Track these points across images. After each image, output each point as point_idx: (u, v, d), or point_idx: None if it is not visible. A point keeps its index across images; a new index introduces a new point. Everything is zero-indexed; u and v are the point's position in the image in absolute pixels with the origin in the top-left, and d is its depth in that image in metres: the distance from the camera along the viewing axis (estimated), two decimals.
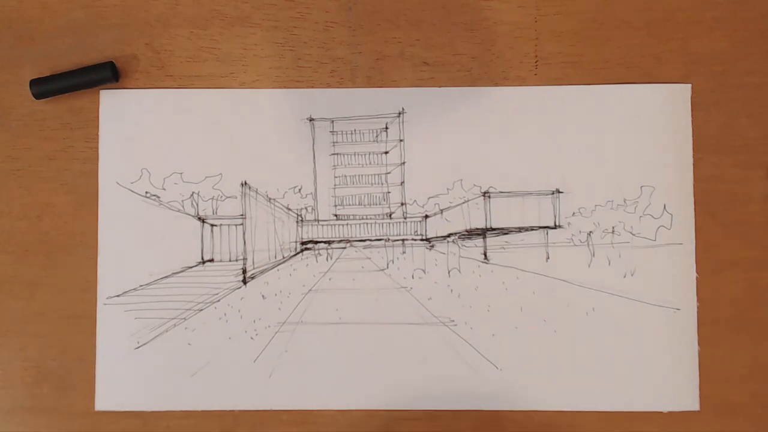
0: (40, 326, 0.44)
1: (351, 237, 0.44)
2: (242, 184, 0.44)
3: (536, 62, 0.45)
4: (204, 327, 0.44)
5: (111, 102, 0.45)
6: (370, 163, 0.45)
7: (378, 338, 0.43)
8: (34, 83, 0.44)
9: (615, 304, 0.43)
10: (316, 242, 0.44)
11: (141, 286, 0.44)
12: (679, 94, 0.44)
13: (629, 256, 0.44)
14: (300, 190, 0.45)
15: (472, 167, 0.44)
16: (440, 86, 0.45)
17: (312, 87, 0.45)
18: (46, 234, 0.42)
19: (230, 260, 0.44)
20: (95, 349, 0.43)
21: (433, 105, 0.44)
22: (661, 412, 0.43)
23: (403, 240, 0.44)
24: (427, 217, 0.44)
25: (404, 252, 0.44)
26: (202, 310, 0.44)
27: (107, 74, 0.44)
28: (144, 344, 0.44)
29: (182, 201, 0.44)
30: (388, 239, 0.44)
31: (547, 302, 0.44)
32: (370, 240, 0.44)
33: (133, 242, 0.44)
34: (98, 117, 0.45)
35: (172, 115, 0.45)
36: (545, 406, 0.43)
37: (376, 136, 0.45)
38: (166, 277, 0.44)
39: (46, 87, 0.44)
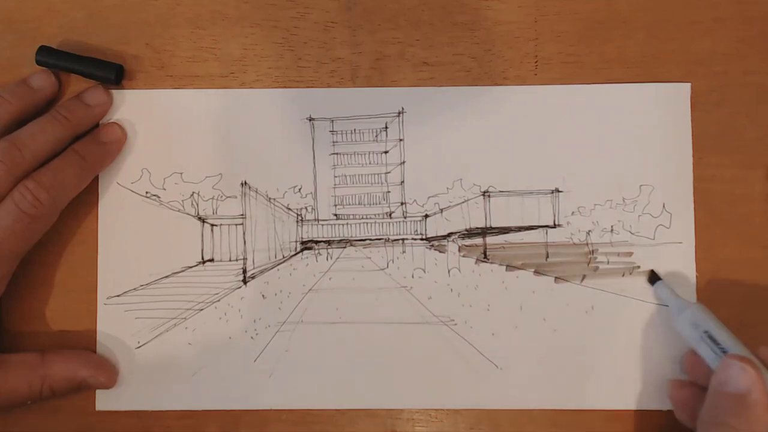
0: (41, 326, 0.44)
1: (351, 236, 0.44)
2: (242, 184, 0.45)
3: (536, 62, 0.45)
4: (204, 327, 0.44)
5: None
6: (369, 163, 0.45)
7: (378, 338, 0.43)
8: (41, 50, 0.44)
9: (614, 302, 0.43)
10: (316, 242, 0.44)
11: (141, 286, 0.44)
12: (679, 94, 0.44)
13: (628, 254, 0.44)
14: (300, 189, 0.45)
15: (471, 167, 0.44)
16: (440, 86, 0.45)
17: (312, 87, 0.45)
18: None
19: (230, 260, 0.44)
20: (95, 349, 0.43)
21: (433, 105, 0.44)
22: (661, 411, 0.43)
23: (402, 239, 0.44)
24: (426, 216, 0.44)
25: (404, 251, 0.44)
26: (202, 310, 0.44)
27: (111, 75, 0.44)
28: (144, 344, 0.44)
29: (182, 201, 0.44)
30: (388, 239, 0.44)
31: (546, 301, 0.44)
32: (370, 239, 0.44)
33: (133, 242, 0.44)
34: None
35: (172, 115, 0.45)
36: (545, 405, 0.43)
37: (376, 136, 0.45)
38: (166, 277, 0.44)
39: (51, 57, 0.44)
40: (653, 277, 0.43)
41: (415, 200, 0.44)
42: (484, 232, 0.44)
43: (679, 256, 0.44)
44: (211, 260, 0.44)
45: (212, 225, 0.44)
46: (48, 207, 0.40)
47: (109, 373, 0.42)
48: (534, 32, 0.45)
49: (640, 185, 0.44)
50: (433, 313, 0.44)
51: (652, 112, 0.44)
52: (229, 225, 0.44)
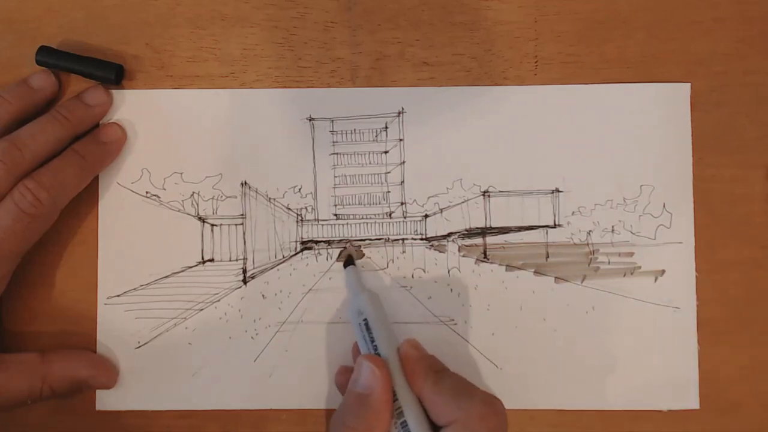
0: (41, 326, 0.44)
1: (351, 236, 0.44)
2: (242, 184, 0.45)
3: (536, 62, 0.45)
4: (204, 327, 0.44)
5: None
6: (369, 163, 0.45)
7: None
8: (41, 50, 0.44)
9: (614, 303, 0.43)
10: (316, 242, 0.44)
11: (141, 286, 0.44)
12: (679, 94, 0.44)
13: (629, 254, 0.44)
14: (300, 189, 0.45)
15: (471, 167, 0.44)
16: (440, 86, 0.45)
17: (312, 87, 0.45)
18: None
19: (230, 260, 0.44)
20: (95, 349, 0.44)
21: (433, 105, 0.44)
22: (661, 411, 0.43)
23: (402, 239, 0.44)
24: (426, 216, 0.44)
25: (404, 251, 0.44)
26: (202, 310, 0.44)
27: (110, 75, 0.44)
28: (144, 344, 0.44)
29: (182, 201, 0.44)
30: (388, 239, 0.44)
31: (546, 301, 0.44)
32: (370, 239, 0.44)
33: (133, 242, 0.44)
34: None
35: (172, 115, 0.45)
36: (545, 405, 0.43)
37: (376, 136, 0.45)
38: (166, 277, 0.44)
39: (51, 57, 0.44)
40: (348, 261, 0.43)
41: (415, 200, 0.44)
42: (484, 232, 0.44)
43: (679, 256, 0.44)
44: (211, 260, 0.44)
45: (212, 225, 0.44)
46: (48, 207, 0.40)
47: (109, 373, 0.42)
48: (534, 32, 0.45)
49: (641, 185, 0.44)
50: (433, 313, 0.44)
51: (651, 112, 0.44)
52: (229, 225, 0.44)
